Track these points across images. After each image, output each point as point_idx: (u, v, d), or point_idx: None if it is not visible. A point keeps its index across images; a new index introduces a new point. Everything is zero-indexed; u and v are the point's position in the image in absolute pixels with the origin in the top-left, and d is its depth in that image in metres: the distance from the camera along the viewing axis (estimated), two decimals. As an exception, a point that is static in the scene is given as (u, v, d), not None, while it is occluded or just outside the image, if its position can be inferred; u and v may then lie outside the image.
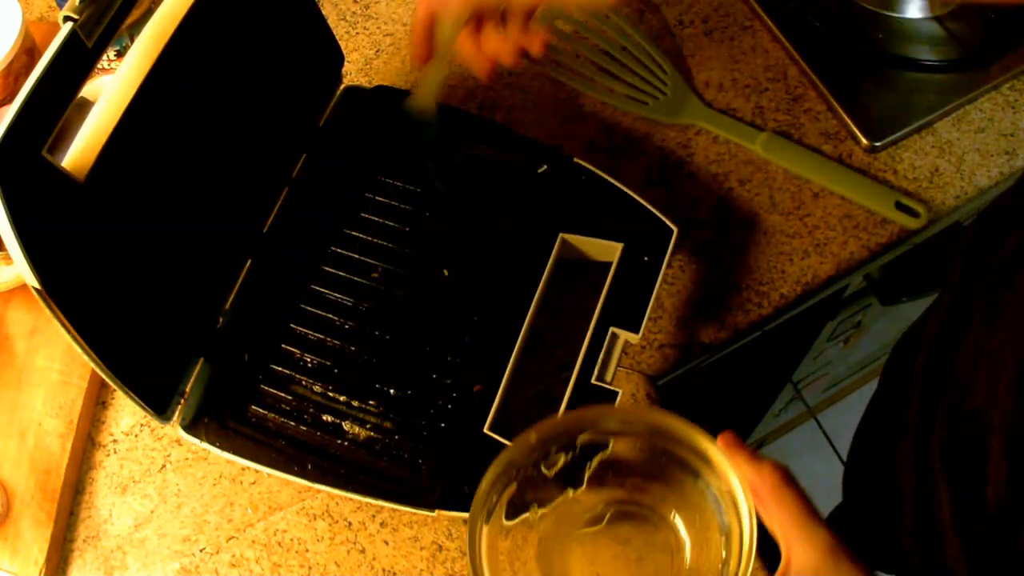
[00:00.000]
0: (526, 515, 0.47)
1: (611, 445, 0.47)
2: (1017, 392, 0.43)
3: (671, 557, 0.46)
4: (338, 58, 0.74)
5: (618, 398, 0.59)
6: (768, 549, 0.42)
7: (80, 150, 0.52)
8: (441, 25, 0.54)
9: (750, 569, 0.40)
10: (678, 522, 0.47)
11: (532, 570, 0.46)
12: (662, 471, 0.47)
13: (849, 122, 0.74)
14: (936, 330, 0.55)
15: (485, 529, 0.45)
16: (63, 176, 0.50)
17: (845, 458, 0.79)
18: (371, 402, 0.63)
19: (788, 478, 0.40)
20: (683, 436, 0.44)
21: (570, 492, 0.48)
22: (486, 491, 0.45)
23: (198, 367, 0.64)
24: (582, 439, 0.47)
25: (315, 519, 0.65)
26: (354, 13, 0.85)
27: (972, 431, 0.46)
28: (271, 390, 0.64)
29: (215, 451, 0.63)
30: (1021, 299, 0.45)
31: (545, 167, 0.69)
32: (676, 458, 0.46)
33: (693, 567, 0.45)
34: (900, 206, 0.70)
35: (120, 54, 0.78)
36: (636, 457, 0.48)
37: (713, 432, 0.44)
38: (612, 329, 0.62)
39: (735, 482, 0.42)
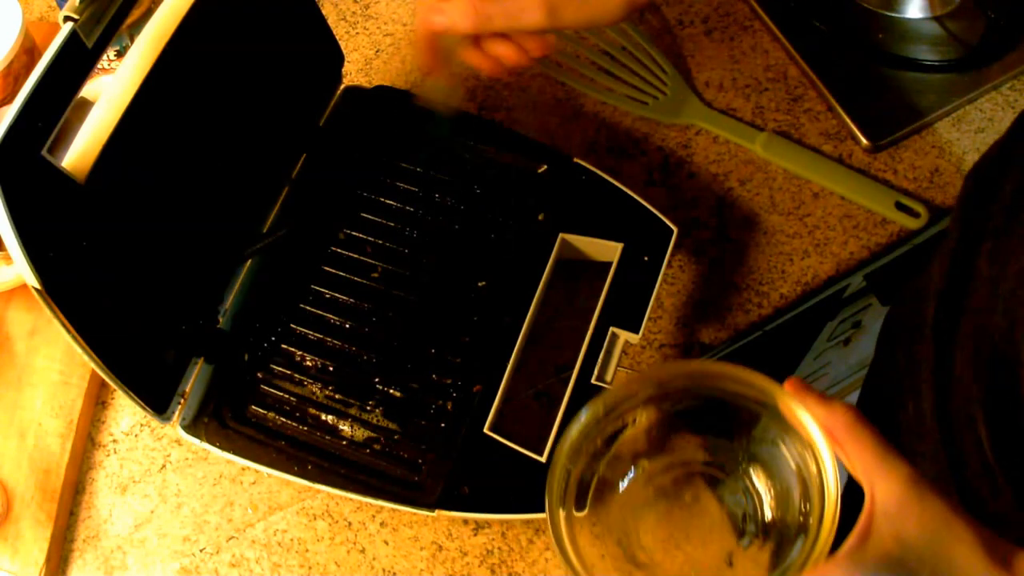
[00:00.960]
0: (599, 498, 0.47)
1: (655, 412, 0.47)
2: None
3: (747, 513, 0.46)
4: (338, 58, 0.74)
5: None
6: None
7: (80, 150, 0.52)
8: (444, 39, 0.54)
9: (837, 512, 0.39)
10: (752, 477, 0.46)
11: (612, 548, 0.46)
12: (730, 427, 0.46)
13: (849, 122, 0.74)
14: (942, 284, 0.55)
15: (562, 514, 0.44)
16: (63, 176, 0.50)
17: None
18: (371, 402, 0.63)
19: (860, 416, 0.40)
20: (751, 385, 0.44)
21: (640, 463, 0.48)
22: (561, 472, 0.44)
23: (198, 367, 0.64)
24: (646, 401, 0.46)
25: (315, 519, 0.65)
26: (354, 13, 0.85)
27: (1000, 373, 0.46)
28: (271, 390, 0.64)
29: (215, 451, 0.63)
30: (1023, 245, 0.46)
31: (545, 167, 0.69)
32: (743, 411, 0.45)
33: (774, 519, 0.45)
34: (900, 206, 0.70)
35: (120, 54, 0.78)
36: (701, 415, 0.47)
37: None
38: (612, 329, 0.62)
39: (811, 426, 0.41)
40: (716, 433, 0.48)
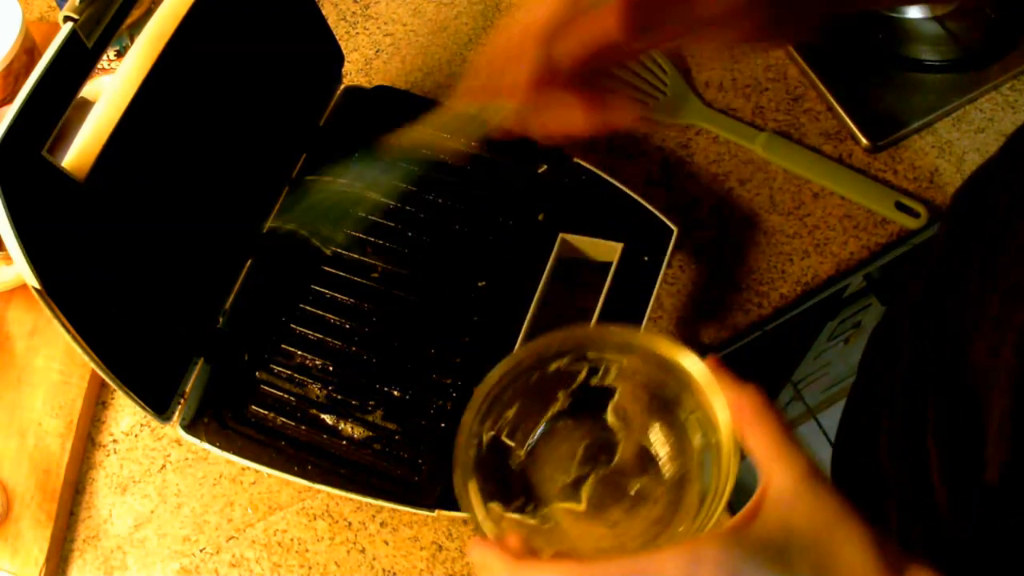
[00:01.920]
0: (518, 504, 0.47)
1: (616, 382, 0.47)
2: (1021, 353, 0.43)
3: (654, 490, 0.46)
4: (338, 58, 0.74)
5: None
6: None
7: (80, 150, 0.52)
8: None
9: (730, 486, 0.40)
10: (656, 445, 0.47)
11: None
12: (645, 396, 0.47)
13: (849, 122, 0.74)
14: (924, 298, 0.55)
15: (472, 485, 0.45)
16: (63, 176, 0.50)
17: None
18: (371, 402, 0.63)
19: (768, 402, 0.40)
20: (667, 355, 0.44)
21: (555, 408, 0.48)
22: (471, 419, 0.45)
23: (198, 367, 0.64)
24: (567, 363, 0.47)
25: (315, 519, 0.65)
26: (354, 13, 0.85)
27: (968, 397, 0.46)
28: (271, 390, 0.64)
29: (215, 451, 0.63)
30: (1016, 261, 0.45)
31: (545, 167, 0.69)
32: (659, 382, 0.46)
33: (669, 481, 0.46)
34: (900, 206, 0.70)
35: (120, 54, 0.78)
36: (625, 394, 0.48)
37: None
38: (612, 329, 0.62)
39: (718, 400, 0.42)
40: (635, 400, 0.48)
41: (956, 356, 0.49)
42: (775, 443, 0.39)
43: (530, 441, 0.48)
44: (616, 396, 0.48)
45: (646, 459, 0.47)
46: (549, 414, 0.49)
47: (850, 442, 0.70)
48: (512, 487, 0.47)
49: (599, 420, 0.49)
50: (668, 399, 0.46)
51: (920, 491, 0.51)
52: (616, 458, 0.48)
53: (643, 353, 0.46)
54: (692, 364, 0.43)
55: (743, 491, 0.41)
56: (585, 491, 0.47)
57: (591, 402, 0.49)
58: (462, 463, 0.45)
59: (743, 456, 0.41)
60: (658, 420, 0.47)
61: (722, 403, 0.42)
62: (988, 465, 0.44)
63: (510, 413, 0.48)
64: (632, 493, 0.47)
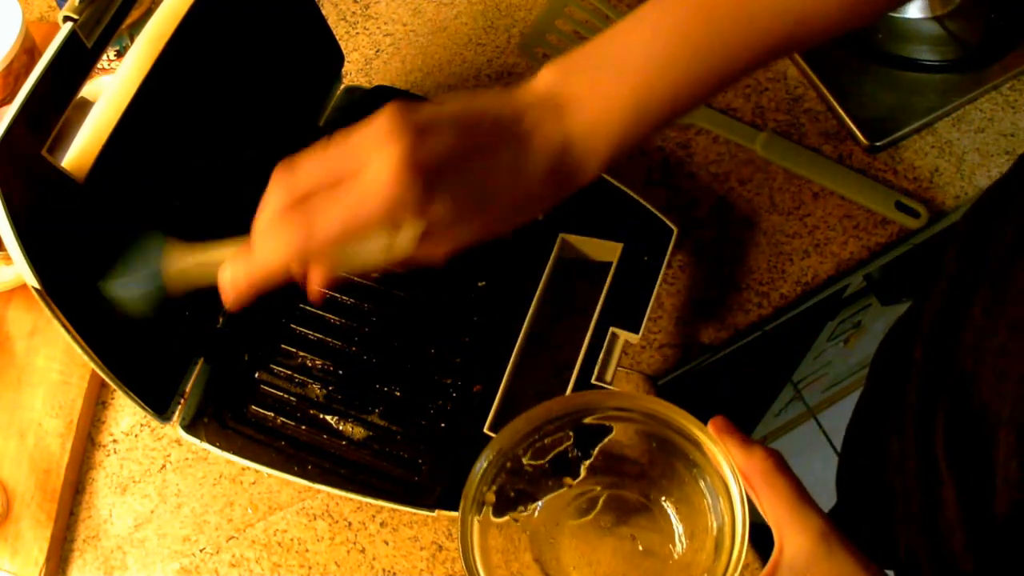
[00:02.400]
0: (518, 510, 0.47)
1: (612, 430, 0.47)
2: None
3: (664, 546, 0.46)
4: (338, 58, 0.74)
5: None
6: (761, 542, 0.42)
7: (80, 150, 0.52)
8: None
9: (743, 558, 0.40)
10: (670, 510, 0.47)
11: (529, 567, 0.46)
12: (655, 459, 0.47)
13: (849, 122, 0.74)
14: (933, 326, 0.55)
15: (476, 522, 0.44)
16: (63, 176, 0.50)
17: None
18: (371, 402, 0.63)
19: (780, 463, 0.40)
20: (674, 422, 0.44)
21: (565, 480, 0.48)
22: (476, 482, 0.45)
23: (198, 367, 0.64)
24: (571, 427, 0.47)
25: (315, 519, 0.65)
26: (354, 13, 0.85)
27: (977, 428, 0.46)
28: (271, 390, 0.64)
29: (215, 451, 0.63)
30: (1018, 299, 0.45)
31: (545, 167, 0.69)
32: (669, 445, 0.45)
33: (686, 557, 0.45)
34: (900, 206, 0.70)
35: (120, 54, 0.78)
36: (629, 444, 0.48)
37: (705, 420, 0.44)
38: (612, 329, 0.62)
39: (726, 468, 0.42)
40: (647, 463, 0.48)
41: (964, 380, 0.48)
42: (787, 505, 0.39)
43: (537, 502, 0.48)
44: (623, 452, 0.48)
45: (657, 517, 0.47)
46: (553, 480, 0.48)
47: (857, 455, 0.70)
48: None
49: (605, 480, 0.48)
50: (676, 462, 0.46)
51: (928, 512, 0.51)
52: (624, 516, 0.47)
53: (647, 416, 0.45)
54: (698, 429, 0.43)
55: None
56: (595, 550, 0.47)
57: (598, 467, 0.48)
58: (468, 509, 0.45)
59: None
60: (666, 482, 0.47)
61: (730, 468, 0.41)
62: (997, 499, 0.44)
63: (509, 481, 0.47)
64: (641, 549, 0.46)
